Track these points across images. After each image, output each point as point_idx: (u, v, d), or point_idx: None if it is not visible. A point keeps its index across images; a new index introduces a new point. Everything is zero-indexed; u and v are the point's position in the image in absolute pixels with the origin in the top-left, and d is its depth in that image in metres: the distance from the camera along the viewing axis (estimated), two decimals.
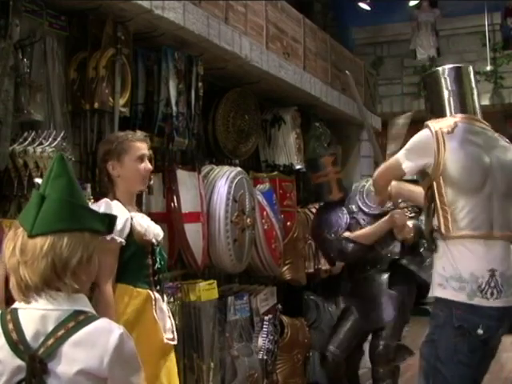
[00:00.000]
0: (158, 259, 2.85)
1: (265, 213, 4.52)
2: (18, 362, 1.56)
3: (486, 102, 9.42)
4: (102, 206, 2.69)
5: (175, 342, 2.89)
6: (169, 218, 3.73)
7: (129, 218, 2.73)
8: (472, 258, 2.67)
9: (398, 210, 4.19)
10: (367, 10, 10.36)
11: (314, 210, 5.47)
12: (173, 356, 2.88)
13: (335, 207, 4.58)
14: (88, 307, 1.64)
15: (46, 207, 1.60)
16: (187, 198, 3.81)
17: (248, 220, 4.20)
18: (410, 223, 4.12)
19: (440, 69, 3.04)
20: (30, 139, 2.78)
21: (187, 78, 3.86)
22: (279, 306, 4.65)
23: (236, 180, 4.11)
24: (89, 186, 3.10)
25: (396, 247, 4.46)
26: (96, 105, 3.21)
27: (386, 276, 4.50)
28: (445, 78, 2.97)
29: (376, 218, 4.39)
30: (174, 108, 3.72)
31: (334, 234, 4.46)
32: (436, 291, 2.74)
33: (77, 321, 1.57)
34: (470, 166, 2.73)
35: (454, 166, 2.70)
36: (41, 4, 3.02)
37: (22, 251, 1.59)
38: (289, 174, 5.14)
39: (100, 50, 3.25)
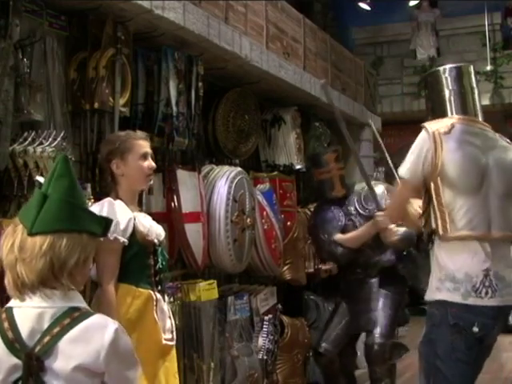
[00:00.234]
0: (159, 259, 2.85)
1: (265, 213, 4.53)
2: (15, 360, 1.56)
3: (486, 101, 9.43)
4: (104, 206, 2.69)
5: (174, 343, 2.89)
6: (169, 218, 3.73)
7: (132, 218, 2.73)
8: (467, 258, 2.68)
9: (381, 212, 4.20)
10: (367, 10, 10.37)
11: None
12: (173, 356, 2.88)
13: (333, 206, 4.53)
14: (82, 303, 1.65)
15: (47, 207, 1.61)
16: (187, 198, 3.81)
17: (248, 220, 4.20)
18: (398, 228, 4.09)
19: (441, 68, 3.05)
20: (30, 139, 2.78)
21: (187, 78, 3.86)
22: (279, 306, 4.65)
23: (236, 180, 4.11)
24: (89, 185, 3.10)
25: (388, 254, 4.42)
26: (96, 105, 3.21)
27: (376, 279, 4.46)
28: (445, 78, 2.97)
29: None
30: (174, 108, 3.72)
31: (328, 235, 4.42)
32: (432, 293, 2.76)
33: (72, 317, 1.58)
34: (467, 167, 2.73)
35: (451, 166, 2.71)
36: (41, 4, 3.03)
37: (20, 248, 1.59)
38: (289, 173, 5.15)
39: (100, 49, 3.25)
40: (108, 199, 2.75)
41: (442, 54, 10.37)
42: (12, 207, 2.73)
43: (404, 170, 2.84)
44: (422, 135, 2.80)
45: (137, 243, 2.74)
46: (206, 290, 3.77)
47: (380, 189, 4.40)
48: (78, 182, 1.74)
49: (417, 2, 10.53)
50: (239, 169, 4.26)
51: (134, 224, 2.74)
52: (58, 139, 2.85)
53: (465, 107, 2.92)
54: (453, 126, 2.78)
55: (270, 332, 4.39)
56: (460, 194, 2.71)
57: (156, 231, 2.85)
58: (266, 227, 4.50)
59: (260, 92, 4.85)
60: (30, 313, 1.59)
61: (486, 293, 2.65)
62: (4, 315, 1.61)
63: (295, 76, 4.95)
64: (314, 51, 5.49)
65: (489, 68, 9.86)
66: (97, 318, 1.61)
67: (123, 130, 3.05)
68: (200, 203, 3.89)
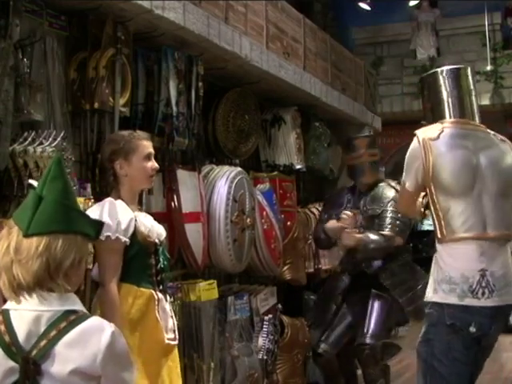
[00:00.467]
0: (160, 259, 2.85)
1: (265, 213, 4.53)
2: (11, 363, 1.56)
3: (486, 101, 9.45)
4: (105, 206, 2.69)
5: (176, 342, 2.89)
6: (169, 218, 3.73)
7: (133, 218, 2.73)
8: (463, 260, 2.69)
9: (348, 212, 4.21)
10: (367, 10, 10.36)
11: (314, 210, 5.48)
12: (175, 355, 2.88)
13: (350, 194, 4.57)
14: (79, 306, 1.65)
15: (42, 208, 1.61)
16: (187, 198, 3.81)
17: (248, 220, 4.20)
18: (356, 235, 4.15)
19: (438, 70, 3.06)
20: (30, 139, 2.78)
21: (187, 77, 3.86)
22: (279, 306, 4.65)
23: (236, 180, 4.11)
24: (89, 185, 3.10)
25: (374, 264, 4.41)
26: (96, 105, 3.21)
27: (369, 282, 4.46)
28: (443, 79, 2.98)
29: (371, 218, 4.37)
30: (174, 108, 3.72)
31: (327, 217, 4.54)
32: (429, 295, 2.77)
33: (68, 321, 1.58)
34: (457, 170, 2.75)
35: (441, 171, 2.74)
36: (41, 4, 3.02)
37: (16, 250, 1.59)
38: (289, 173, 5.15)
39: (100, 49, 3.25)
40: (109, 199, 2.75)
41: (442, 54, 10.36)
42: (12, 207, 2.73)
43: (405, 181, 2.91)
44: (413, 144, 2.84)
45: (138, 243, 2.74)
46: (206, 290, 3.77)
47: (392, 193, 4.38)
48: (71, 184, 1.75)
49: (417, 1, 10.51)
50: (239, 169, 4.26)
51: (135, 224, 2.74)
52: (58, 139, 2.85)
53: (462, 109, 2.94)
54: (442, 130, 2.81)
55: (270, 332, 4.39)
56: (453, 197, 2.73)
57: (157, 231, 2.85)
58: (265, 227, 4.50)
59: (260, 92, 4.85)
60: (26, 316, 1.59)
61: (483, 293, 2.65)
62: (0, 318, 1.61)
63: (295, 76, 4.94)
64: (314, 51, 5.49)
65: (489, 68, 9.85)
66: (93, 321, 1.61)
67: (123, 130, 3.05)
68: (200, 203, 3.89)
